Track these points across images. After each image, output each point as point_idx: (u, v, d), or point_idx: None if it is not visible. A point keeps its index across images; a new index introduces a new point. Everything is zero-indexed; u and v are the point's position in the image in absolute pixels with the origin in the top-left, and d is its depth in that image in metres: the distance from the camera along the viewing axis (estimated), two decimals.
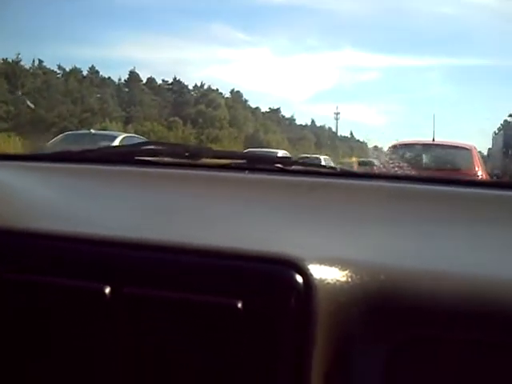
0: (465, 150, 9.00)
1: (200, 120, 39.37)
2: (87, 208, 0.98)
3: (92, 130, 11.40)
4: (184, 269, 0.75)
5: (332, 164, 21.63)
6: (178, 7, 57.40)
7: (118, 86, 39.36)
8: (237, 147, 29.43)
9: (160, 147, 1.40)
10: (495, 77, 52.74)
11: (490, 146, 22.70)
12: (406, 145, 10.17)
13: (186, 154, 1.27)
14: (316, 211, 1.00)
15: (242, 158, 1.33)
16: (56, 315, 0.76)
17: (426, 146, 9.78)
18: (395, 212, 1.01)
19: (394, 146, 9.98)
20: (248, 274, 0.73)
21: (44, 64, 34.63)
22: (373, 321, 0.72)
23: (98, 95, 35.56)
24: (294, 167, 1.28)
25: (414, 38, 57.16)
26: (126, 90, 39.19)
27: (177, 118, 37.86)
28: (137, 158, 1.31)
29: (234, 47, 61.08)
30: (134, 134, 12.90)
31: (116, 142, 10.55)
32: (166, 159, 1.35)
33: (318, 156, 22.60)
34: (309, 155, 23.22)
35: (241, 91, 48.70)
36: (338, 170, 1.33)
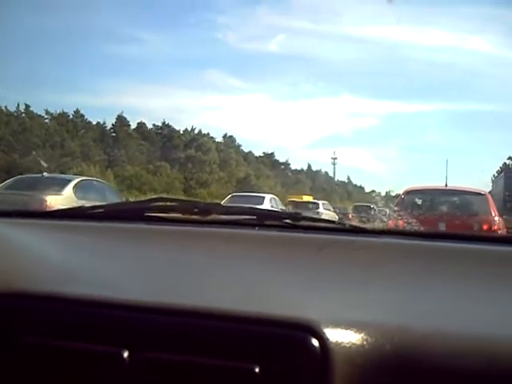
0: (480, 196, 8.65)
1: (189, 164, 37.94)
2: (102, 269, 0.97)
3: (45, 174, 10.08)
4: (202, 333, 0.75)
5: (331, 208, 22.29)
6: (176, 56, 57.95)
7: (103, 130, 38.01)
8: (227, 192, 27.82)
9: (170, 203, 1.39)
10: (493, 122, 53.16)
11: (490, 189, 21.77)
12: (418, 191, 9.30)
13: (196, 210, 1.26)
14: (327, 270, 0.99)
15: (251, 214, 1.31)
16: (74, 379, 0.77)
17: (440, 192, 9.02)
18: (406, 270, 0.98)
19: (407, 193, 9.00)
20: (265, 338, 0.74)
21: (31, 109, 33.59)
22: (389, 383, 0.72)
23: (84, 139, 34.07)
24: (302, 223, 1.24)
25: (412, 85, 58.17)
26: (113, 134, 37.79)
27: (163, 163, 36.42)
28: (147, 214, 1.30)
29: (229, 94, 61.30)
30: (92, 178, 11.36)
31: (70, 186, 9.34)
32: (176, 215, 1.32)
33: (316, 201, 22.04)
34: (305, 200, 23.15)
35: (234, 136, 48.00)
36: (347, 226, 1.28)
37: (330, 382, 0.70)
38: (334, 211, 22.83)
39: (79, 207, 1.49)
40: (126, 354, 0.75)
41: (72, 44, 53.93)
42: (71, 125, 35.31)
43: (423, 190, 9.25)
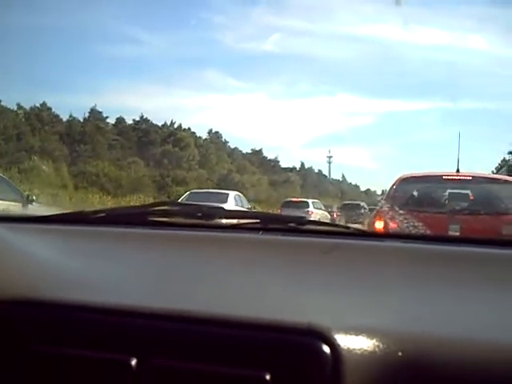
0: (510, 185, 5.96)
1: (165, 161, 35.06)
2: (107, 275, 0.95)
3: None
4: (211, 340, 0.74)
5: (322, 207, 20.24)
6: (172, 55, 55.60)
7: (70, 125, 35.01)
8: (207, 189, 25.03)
9: (173, 207, 1.41)
10: (490, 120, 51.38)
11: None
12: (417, 178, 6.29)
13: (199, 215, 1.25)
14: (334, 275, 0.97)
15: (254, 218, 1.30)
16: None
17: (450, 180, 6.08)
18: (414, 275, 0.96)
19: (401, 181, 6.06)
20: (275, 345, 0.72)
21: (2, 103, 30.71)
22: None
23: (48, 133, 31.16)
24: (307, 226, 1.22)
25: (409, 83, 57.01)
26: (82, 128, 34.82)
27: (137, 159, 33.51)
28: (150, 218, 1.29)
29: (225, 93, 58.96)
30: None
31: None
32: (180, 220, 1.33)
33: (305, 200, 20.88)
34: (294, 199, 21.24)
35: (220, 132, 45.43)
36: (352, 229, 1.26)
37: None
38: (326, 210, 21.30)
39: (81, 212, 1.42)
40: (134, 362, 0.74)
41: (68, 44, 51.15)
42: (35, 118, 32.36)
43: (425, 178, 6.25)
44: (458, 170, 6.33)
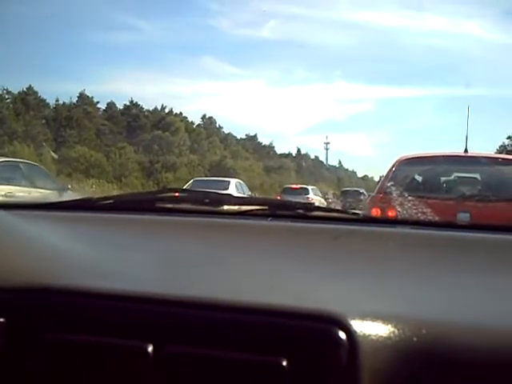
0: None
1: (155, 146, 34.03)
2: (120, 262, 0.96)
3: None
4: (227, 327, 0.74)
5: (319, 194, 19.73)
6: (169, 42, 55.11)
7: (57, 109, 33.98)
8: (199, 176, 24.11)
9: (181, 194, 1.39)
10: (488, 106, 50.44)
11: None
12: (419, 159, 5.41)
13: (207, 201, 1.26)
14: (345, 261, 0.98)
15: (263, 204, 1.31)
16: (98, 374, 0.76)
17: (457, 162, 5.29)
18: (424, 261, 0.97)
19: (401, 162, 5.26)
20: (292, 331, 0.72)
21: None
22: (417, 376, 0.72)
23: (33, 118, 30.15)
24: (316, 213, 1.24)
25: (406, 70, 56.31)
26: (68, 113, 33.72)
27: (126, 144, 32.49)
28: (158, 205, 1.30)
29: (222, 80, 58.20)
30: None
31: None
32: (187, 206, 1.33)
33: (305, 186, 21.08)
34: (294, 186, 21.37)
35: (214, 117, 44.46)
36: (361, 215, 1.28)
37: (357, 374, 0.70)
38: (323, 196, 20.76)
39: (88, 198, 1.40)
40: (150, 348, 0.73)
41: (69, 32, 50.43)
42: (20, 103, 31.27)
43: (428, 159, 5.34)
44: (466, 150, 5.48)
